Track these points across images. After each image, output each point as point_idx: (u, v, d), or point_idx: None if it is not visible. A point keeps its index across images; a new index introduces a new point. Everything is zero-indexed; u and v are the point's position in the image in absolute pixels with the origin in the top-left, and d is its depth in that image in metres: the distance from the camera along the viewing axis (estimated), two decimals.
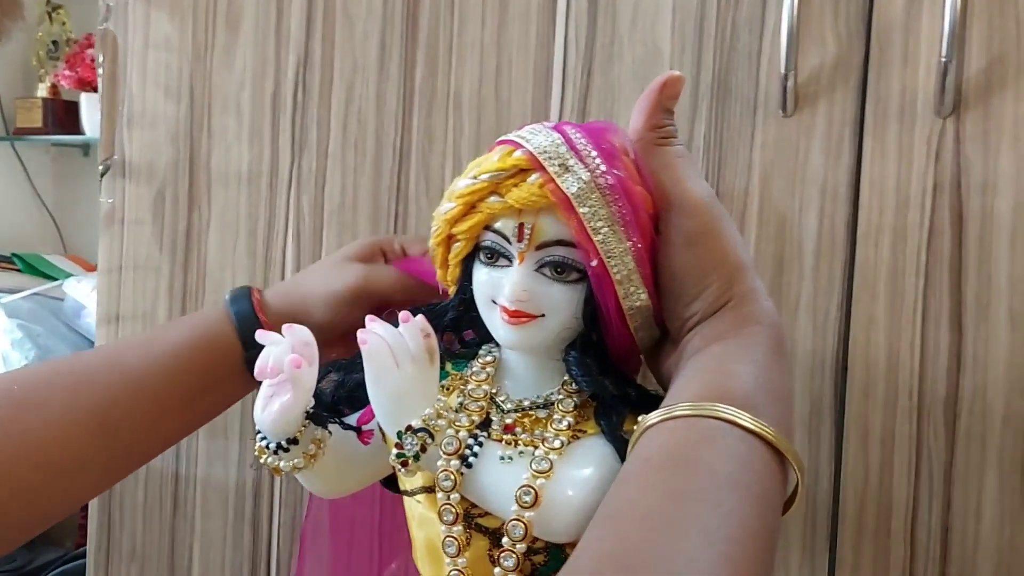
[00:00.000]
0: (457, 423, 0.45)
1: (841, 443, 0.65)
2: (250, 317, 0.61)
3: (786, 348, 0.45)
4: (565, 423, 0.45)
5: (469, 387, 0.48)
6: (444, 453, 0.44)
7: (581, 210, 0.43)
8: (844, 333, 0.65)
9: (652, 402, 0.46)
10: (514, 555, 0.43)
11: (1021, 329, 0.60)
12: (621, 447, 0.44)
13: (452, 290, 0.51)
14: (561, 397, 0.47)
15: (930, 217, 0.62)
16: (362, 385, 0.51)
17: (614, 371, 0.47)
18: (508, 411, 0.47)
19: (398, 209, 0.77)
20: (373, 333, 0.45)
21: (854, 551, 0.64)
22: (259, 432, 0.49)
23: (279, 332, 0.60)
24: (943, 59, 0.60)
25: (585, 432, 0.46)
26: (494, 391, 0.48)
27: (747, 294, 0.45)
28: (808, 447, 0.65)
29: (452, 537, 0.45)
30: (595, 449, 0.45)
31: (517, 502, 0.42)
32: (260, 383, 0.62)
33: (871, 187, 0.64)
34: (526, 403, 0.47)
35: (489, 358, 0.49)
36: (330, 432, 0.49)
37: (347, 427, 0.50)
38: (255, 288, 0.64)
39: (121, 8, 0.85)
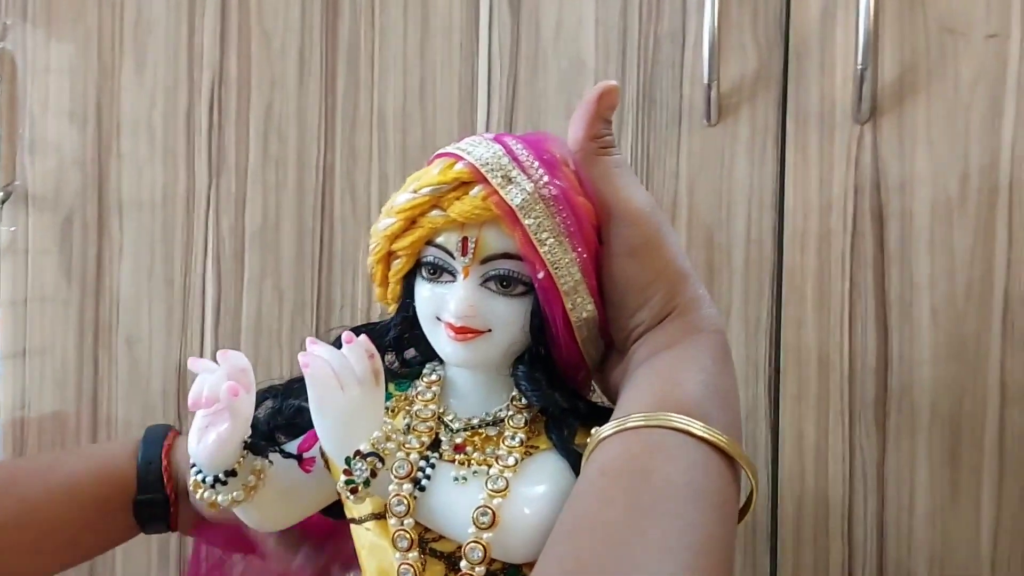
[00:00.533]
0: (407, 445, 0.44)
1: (777, 446, 0.66)
2: (155, 464, 0.57)
3: (731, 354, 0.45)
4: (517, 439, 0.44)
5: (416, 407, 0.47)
6: (396, 477, 0.43)
7: (526, 221, 0.43)
8: (775, 338, 0.66)
9: (602, 414, 0.46)
10: None
11: (943, 327, 0.62)
12: (575, 461, 0.44)
13: (392, 308, 0.49)
14: (511, 413, 0.46)
15: (852, 220, 0.64)
16: (301, 411, 0.49)
17: (563, 384, 0.47)
18: (457, 430, 0.46)
19: (323, 229, 0.75)
20: (316, 356, 0.43)
21: (795, 552, 0.65)
22: (193, 465, 0.47)
23: (175, 482, 0.56)
24: (859, 67, 0.61)
25: (537, 448, 0.45)
26: (441, 410, 0.47)
27: (691, 302, 0.45)
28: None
29: (408, 564, 0.43)
30: (548, 464, 0.44)
31: (474, 523, 0.41)
32: (142, 530, 0.58)
33: (795, 193, 0.65)
34: (475, 421, 0.46)
35: (434, 377, 0.48)
36: (271, 462, 0.47)
37: (288, 455, 0.48)
38: (175, 430, 0.59)
39: (18, 28, 0.81)
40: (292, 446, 0.49)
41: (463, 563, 0.42)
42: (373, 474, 0.42)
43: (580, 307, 0.45)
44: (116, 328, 0.80)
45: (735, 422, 0.42)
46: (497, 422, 0.46)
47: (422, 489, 0.43)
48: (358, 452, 0.42)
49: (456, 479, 0.43)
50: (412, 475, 0.43)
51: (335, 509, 0.53)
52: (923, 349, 0.63)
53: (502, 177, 0.43)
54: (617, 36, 0.68)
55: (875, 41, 0.62)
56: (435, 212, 0.44)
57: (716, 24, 0.64)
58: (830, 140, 0.64)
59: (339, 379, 0.43)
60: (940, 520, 0.62)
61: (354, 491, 0.42)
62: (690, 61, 0.67)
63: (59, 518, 0.55)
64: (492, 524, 0.41)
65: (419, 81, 0.73)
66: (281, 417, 0.49)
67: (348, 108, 0.74)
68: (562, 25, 0.69)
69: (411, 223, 0.45)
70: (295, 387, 0.50)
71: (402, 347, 0.50)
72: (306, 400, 0.48)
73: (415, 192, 0.44)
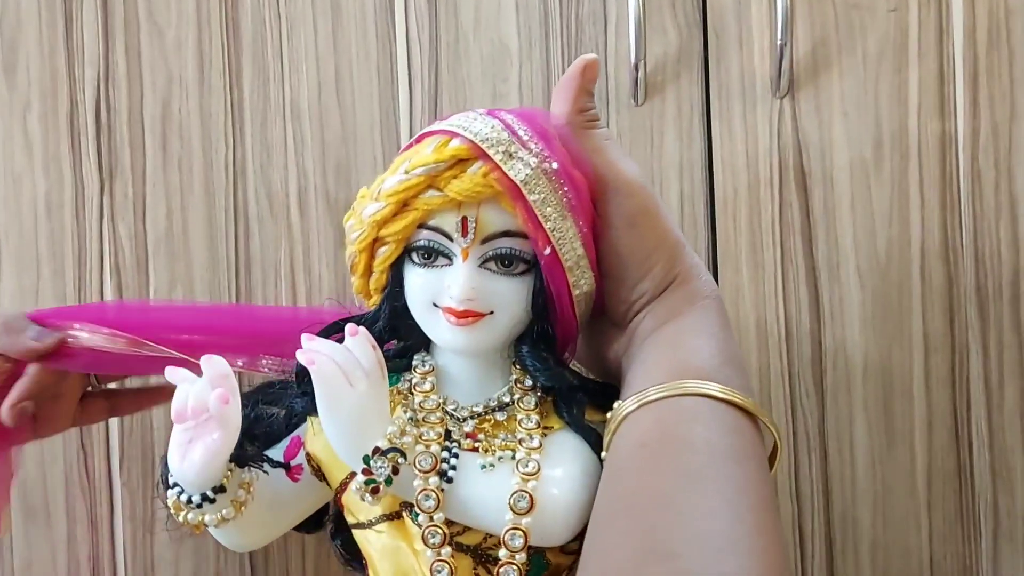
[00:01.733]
0: (424, 438, 0.42)
1: None
2: None
3: (729, 319, 0.46)
4: (533, 421, 0.43)
5: (417, 400, 0.44)
6: (420, 471, 0.40)
7: (531, 197, 0.42)
8: None
9: (608, 390, 0.45)
10: (516, 567, 0.40)
11: (868, 285, 0.66)
12: (592, 438, 0.43)
13: (375, 299, 0.47)
14: (518, 396, 0.44)
15: (779, 190, 0.67)
16: (277, 418, 0.46)
17: (565, 362, 0.46)
18: (464, 419, 0.44)
19: (237, 230, 0.70)
20: (319, 353, 0.40)
21: None
22: (175, 485, 0.43)
23: None
24: (779, 43, 0.64)
25: (552, 428, 0.44)
26: (442, 400, 0.45)
27: (690, 270, 0.45)
28: None
29: (443, 561, 0.41)
30: (567, 443, 0.43)
31: (512, 509, 0.40)
32: None
33: (724, 167, 0.67)
34: (479, 408, 0.45)
35: (426, 367, 0.46)
36: (267, 472, 0.44)
37: (276, 464, 0.45)
38: None
39: None
40: (276, 454, 0.46)
41: (502, 552, 0.40)
42: (395, 471, 0.40)
43: (582, 282, 0.44)
44: None
45: (749, 383, 0.43)
46: (503, 407, 0.45)
47: (449, 481, 0.41)
48: (377, 449, 0.40)
49: (483, 467, 0.41)
50: (437, 468, 0.41)
51: (309, 521, 0.50)
52: (852, 307, 0.66)
53: (503, 152, 0.42)
54: (538, 19, 0.68)
55: (790, 16, 0.64)
56: (431, 192, 0.42)
57: (641, 4, 0.65)
58: (752, 114, 0.67)
59: (346, 375, 0.40)
60: (879, 468, 0.66)
61: (375, 491, 0.40)
62: (613, 43, 0.68)
63: None
64: (530, 509, 0.40)
65: (334, 71, 0.69)
66: (263, 425, 0.46)
67: (257, 103, 0.70)
68: (481, 9, 0.68)
69: (403, 206, 0.43)
70: (271, 392, 0.47)
71: (388, 339, 0.48)
72: (285, 405, 0.45)
73: (407, 173, 0.42)
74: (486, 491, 0.41)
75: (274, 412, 0.46)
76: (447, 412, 0.44)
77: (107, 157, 0.71)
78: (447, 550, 0.41)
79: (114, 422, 0.71)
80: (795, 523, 0.67)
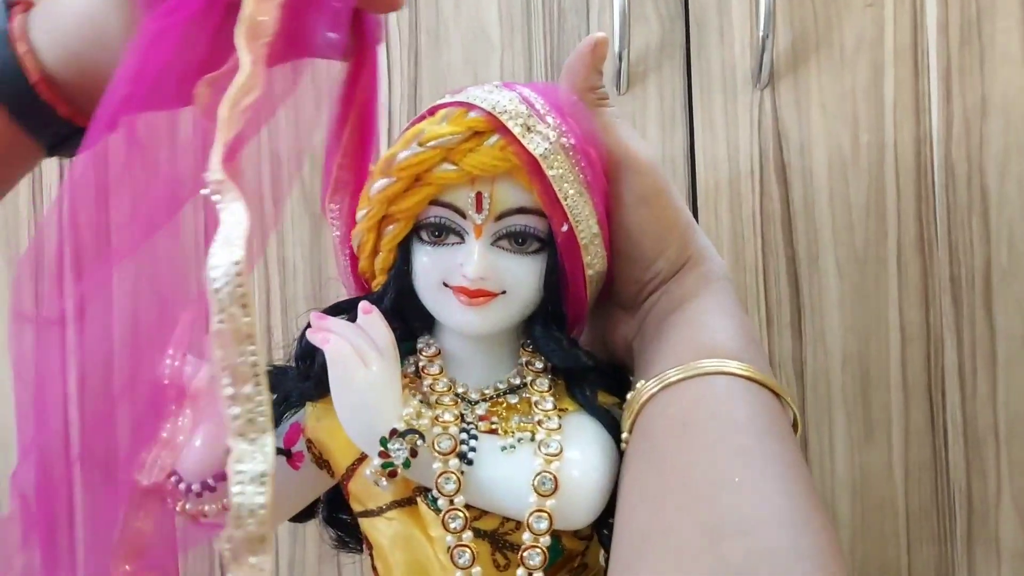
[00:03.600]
0: (441, 419, 0.40)
1: None
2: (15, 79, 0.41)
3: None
4: (549, 403, 0.42)
5: (427, 383, 0.43)
6: (439, 453, 0.39)
7: (550, 172, 0.41)
8: None
9: (616, 372, 0.45)
10: (540, 550, 0.39)
11: (847, 276, 0.67)
12: (606, 419, 0.42)
13: (380, 280, 0.45)
14: (530, 378, 0.43)
15: (759, 181, 0.67)
16: (282, 401, 0.44)
17: (577, 343, 0.45)
18: (476, 402, 0.43)
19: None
20: (332, 332, 0.38)
21: None
22: (173, 474, 0.41)
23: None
24: (762, 35, 0.65)
25: (566, 410, 0.43)
26: (451, 383, 0.44)
27: (702, 251, 0.45)
28: None
29: (464, 546, 0.39)
30: (584, 425, 0.42)
31: (536, 491, 0.38)
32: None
33: (705, 157, 0.67)
34: (490, 391, 0.43)
35: (432, 350, 0.45)
36: None
37: (278, 452, 0.43)
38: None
39: None
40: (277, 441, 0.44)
41: (525, 535, 0.39)
42: (413, 453, 0.38)
43: (596, 261, 0.43)
44: None
45: (768, 363, 0.42)
46: (514, 389, 0.44)
47: (470, 463, 0.39)
48: (394, 431, 0.38)
49: (504, 448, 0.40)
50: (456, 450, 0.39)
51: (303, 510, 0.48)
52: (831, 297, 0.67)
53: (522, 126, 0.41)
54: (520, 7, 0.67)
55: (772, 11, 0.65)
56: (445, 166, 0.41)
57: None
58: (733, 105, 0.67)
59: (360, 355, 0.39)
60: (857, 455, 0.67)
61: (392, 474, 0.38)
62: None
63: None
64: (555, 490, 0.39)
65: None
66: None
67: None
68: None
69: (415, 181, 0.41)
70: (269, 377, 0.45)
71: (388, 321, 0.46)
72: (284, 390, 0.44)
73: (421, 145, 0.41)
74: (507, 473, 0.39)
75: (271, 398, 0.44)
76: (458, 395, 0.43)
77: None
78: (469, 534, 0.39)
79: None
80: None
